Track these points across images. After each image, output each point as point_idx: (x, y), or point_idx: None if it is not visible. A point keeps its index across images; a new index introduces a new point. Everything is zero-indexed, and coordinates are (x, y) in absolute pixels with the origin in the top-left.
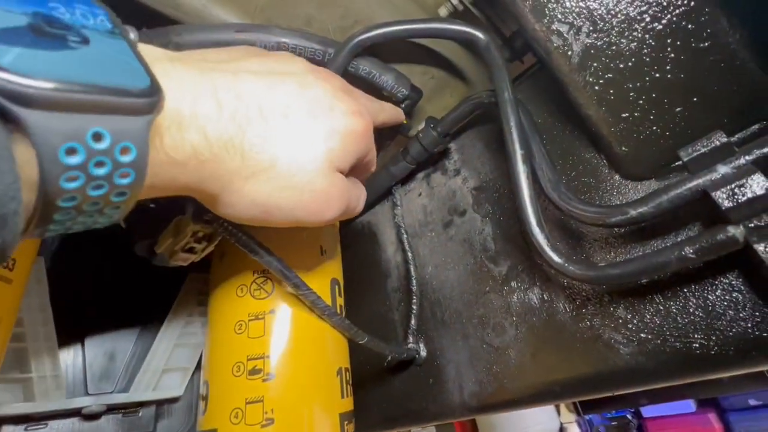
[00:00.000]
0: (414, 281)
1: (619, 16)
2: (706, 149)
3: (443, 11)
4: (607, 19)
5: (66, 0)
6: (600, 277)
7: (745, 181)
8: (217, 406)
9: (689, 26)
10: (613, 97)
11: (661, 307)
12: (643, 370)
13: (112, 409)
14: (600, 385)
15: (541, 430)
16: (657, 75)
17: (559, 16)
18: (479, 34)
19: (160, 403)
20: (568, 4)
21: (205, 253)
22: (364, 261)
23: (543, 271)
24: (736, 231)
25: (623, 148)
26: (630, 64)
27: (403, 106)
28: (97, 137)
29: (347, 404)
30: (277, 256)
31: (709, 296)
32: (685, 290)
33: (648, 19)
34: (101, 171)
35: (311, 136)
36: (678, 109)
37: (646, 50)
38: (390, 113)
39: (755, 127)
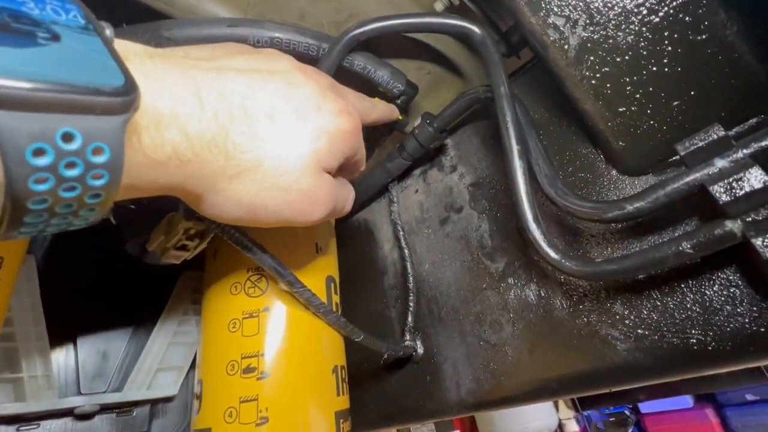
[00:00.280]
0: (411, 278)
1: (615, 8)
2: (703, 143)
3: (439, 6)
4: (603, 12)
5: None
6: (597, 273)
7: (742, 174)
8: (211, 405)
9: (686, 19)
10: (609, 92)
11: (659, 303)
12: (640, 366)
13: (105, 408)
14: (597, 381)
15: (539, 427)
16: (654, 68)
17: (556, 9)
18: (475, 29)
19: (154, 403)
20: None
21: (198, 250)
22: (361, 258)
23: (540, 267)
24: (733, 225)
25: (620, 143)
26: (627, 57)
27: (398, 101)
28: (68, 137)
29: (343, 402)
30: (270, 254)
31: (707, 292)
32: (683, 286)
33: (645, 12)
34: (73, 172)
35: (298, 136)
36: (675, 103)
37: (643, 43)
38: (382, 111)
39: (753, 120)
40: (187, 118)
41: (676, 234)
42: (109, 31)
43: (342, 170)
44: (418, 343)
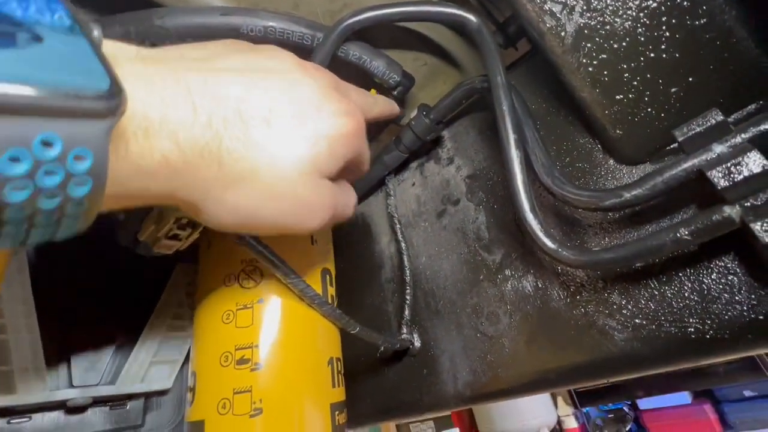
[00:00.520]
0: (408, 271)
1: None
2: (701, 128)
3: None
4: None
5: None
6: (594, 262)
7: (741, 159)
8: (204, 397)
9: (684, 3)
10: (607, 79)
11: (656, 292)
12: (638, 355)
13: (98, 401)
14: (595, 372)
15: (538, 424)
16: (652, 55)
17: None
18: (471, 17)
19: (148, 396)
20: None
21: (191, 240)
22: (358, 251)
23: (537, 258)
24: (732, 211)
25: (618, 131)
26: (624, 44)
27: (394, 93)
28: (47, 143)
29: (338, 394)
30: (265, 245)
31: (705, 280)
32: (680, 274)
33: None
34: (52, 180)
35: (296, 141)
36: (673, 89)
37: (640, 29)
38: (383, 107)
39: (752, 106)
40: (178, 124)
41: (675, 222)
42: (97, 32)
43: (344, 173)
44: (415, 336)
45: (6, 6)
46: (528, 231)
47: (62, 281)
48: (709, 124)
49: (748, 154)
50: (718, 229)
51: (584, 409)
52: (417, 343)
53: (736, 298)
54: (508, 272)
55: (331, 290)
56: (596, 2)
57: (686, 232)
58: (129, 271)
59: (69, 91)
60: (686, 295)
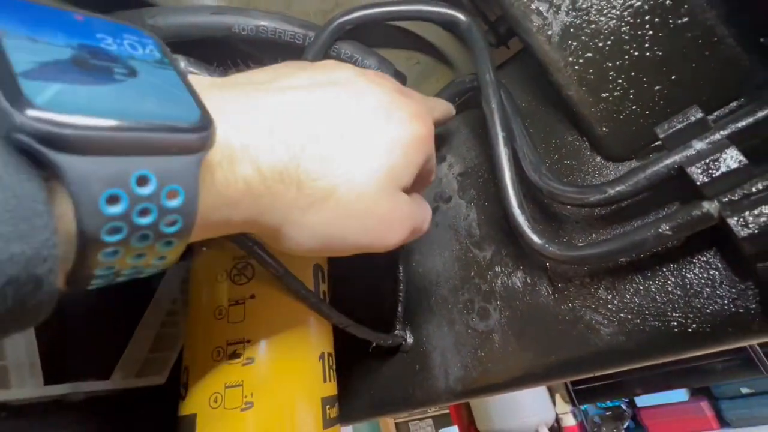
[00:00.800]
0: (400, 268)
1: None
2: (681, 125)
3: None
4: None
5: (114, 30)
6: (579, 258)
7: (719, 155)
8: (196, 391)
9: (666, 2)
10: (592, 77)
11: (641, 287)
12: (624, 349)
13: (92, 396)
14: (582, 365)
15: (537, 422)
16: (636, 53)
17: None
18: (461, 16)
19: (142, 391)
20: None
21: None
22: None
23: (526, 254)
24: (710, 206)
25: (604, 129)
26: (609, 42)
27: None
28: (143, 181)
29: (330, 389)
30: (255, 241)
31: (687, 275)
32: (664, 270)
33: None
34: (146, 220)
35: (370, 153)
36: (657, 87)
37: (624, 28)
38: (442, 109)
39: (734, 104)
40: (258, 149)
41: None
42: (183, 63)
43: (415, 184)
44: (408, 332)
45: (103, 41)
46: (515, 227)
47: None
48: (689, 121)
49: (726, 150)
50: (698, 225)
51: (582, 407)
52: (409, 339)
53: (718, 292)
54: (498, 269)
55: (324, 287)
56: (582, 1)
57: (667, 228)
58: None
59: (165, 126)
60: (670, 289)
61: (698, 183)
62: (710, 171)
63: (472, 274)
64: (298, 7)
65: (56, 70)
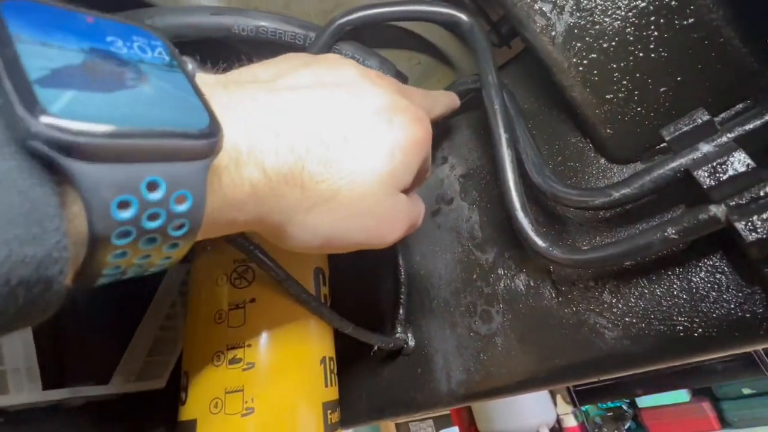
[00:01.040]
0: (402, 271)
1: None
2: (688, 128)
3: None
4: None
5: (124, 32)
6: (583, 261)
7: (726, 158)
8: (196, 396)
9: (672, 3)
10: (597, 78)
11: (646, 291)
12: (628, 353)
13: (91, 401)
14: (586, 370)
15: (538, 422)
16: (641, 54)
17: None
18: (463, 16)
19: (141, 395)
20: None
21: None
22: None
23: (529, 257)
24: (717, 210)
25: (608, 131)
26: (613, 43)
27: None
28: (152, 186)
29: (331, 393)
30: (255, 244)
31: (693, 278)
32: (670, 273)
33: None
34: (155, 224)
35: (373, 157)
36: (662, 89)
37: (629, 29)
38: (446, 102)
39: (740, 105)
40: (264, 152)
41: (663, 221)
42: (191, 66)
43: (412, 183)
44: (410, 335)
45: (113, 44)
46: (519, 230)
47: None
48: (695, 123)
49: (734, 153)
50: (704, 228)
51: (583, 408)
52: (411, 342)
53: (724, 296)
54: (500, 271)
55: (325, 290)
56: (586, 2)
57: (673, 231)
58: None
59: (175, 132)
60: (675, 293)
61: (705, 186)
62: (717, 174)
63: (475, 276)
64: (297, 7)
65: (68, 76)
